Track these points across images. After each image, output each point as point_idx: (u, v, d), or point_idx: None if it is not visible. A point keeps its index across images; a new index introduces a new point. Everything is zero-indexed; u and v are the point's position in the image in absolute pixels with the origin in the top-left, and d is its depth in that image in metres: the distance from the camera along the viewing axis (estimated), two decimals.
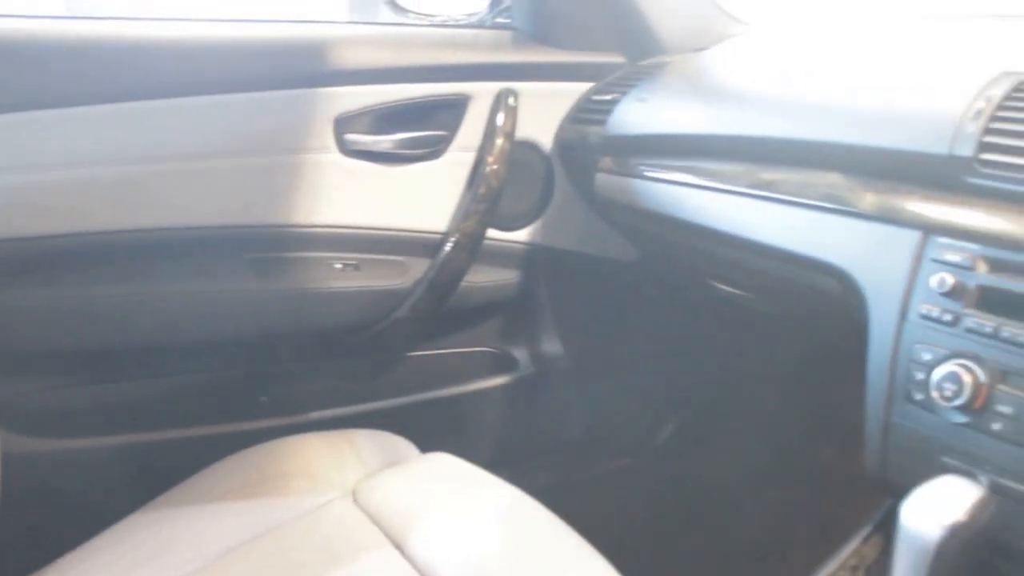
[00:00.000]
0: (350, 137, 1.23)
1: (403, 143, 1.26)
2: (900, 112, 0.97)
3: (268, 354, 1.31)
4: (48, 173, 1.10)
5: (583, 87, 1.33)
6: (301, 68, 1.20)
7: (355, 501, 1.06)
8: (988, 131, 0.86)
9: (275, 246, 1.24)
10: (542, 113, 1.33)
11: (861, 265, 0.94)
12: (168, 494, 1.07)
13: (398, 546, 0.97)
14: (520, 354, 1.49)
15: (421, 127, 1.27)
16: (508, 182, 1.31)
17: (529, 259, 1.40)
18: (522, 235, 1.38)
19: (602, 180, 1.27)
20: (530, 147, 1.33)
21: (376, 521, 1.02)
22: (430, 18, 1.36)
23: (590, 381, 1.55)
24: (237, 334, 1.25)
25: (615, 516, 1.51)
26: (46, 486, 1.19)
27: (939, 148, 0.89)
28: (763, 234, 1.05)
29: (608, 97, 1.28)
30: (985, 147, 0.85)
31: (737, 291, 1.23)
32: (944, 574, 0.77)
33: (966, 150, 0.86)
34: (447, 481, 1.11)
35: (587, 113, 1.31)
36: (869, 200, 0.94)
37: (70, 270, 1.15)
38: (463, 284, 1.34)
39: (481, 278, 1.38)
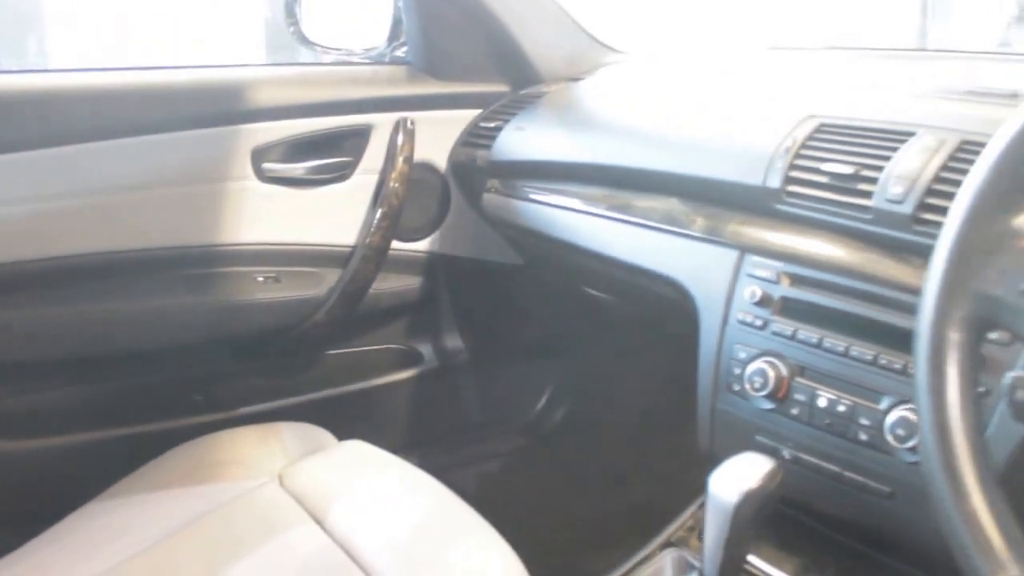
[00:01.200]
0: (266, 166, 1.38)
1: (314, 169, 1.42)
2: (725, 146, 1.13)
3: (202, 358, 1.45)
4: (15, 208, 1.24)
5: (472, 114, 1.49)
6: (222, 108, 1.35)
7: (281, 485, 1.19)
8: (792, 167, 1.02)
9: (205, 263, 1.38)
10: (437, 138, 1.49)
11: (693, 278, 1.11)
12: (118, 485, 1.20)
13: (319, 522, 1.12)
14: (425, 350, 1.65)
15: (329, 154, 1.43)
16: (408, 199, 1.46)
17: (430, 266, 1.56)
18: (423, 245, 1.54)
19: (488, 199, 1.45)
20: (427, 168, 1.50)
21: (300, 501, 1.15)
22: (335, 51, 1.51)
23: (487, 372, 1.71)
24: (174, 341, 1.40)
25: (510, 491, 1.68)
26: (20, 481, 1.33)
27: (754, 180, 1.06)
28: (617, 250, 1.22)
29: (492, 124, 1.45)
30: (790, 180, 1.01)
31: (604, 295, 1.42)
32: (742, 530, 0.87)
33: (775, 182, 1.02)
34: (360, 465, 1.25)
35: (475, 138, 1.48)
36: (699, 223, 1.11)
37: (20, 290, 1.28)
38: (372, 290, 1.49)
39: (388, 284, 1.53)
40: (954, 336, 0.64)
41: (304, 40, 1.50)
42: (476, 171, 1.46)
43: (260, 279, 1.42)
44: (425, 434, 1.68)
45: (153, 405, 1.42)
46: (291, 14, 1.48)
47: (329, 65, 1.53)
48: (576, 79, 1.47)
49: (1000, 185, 0.66)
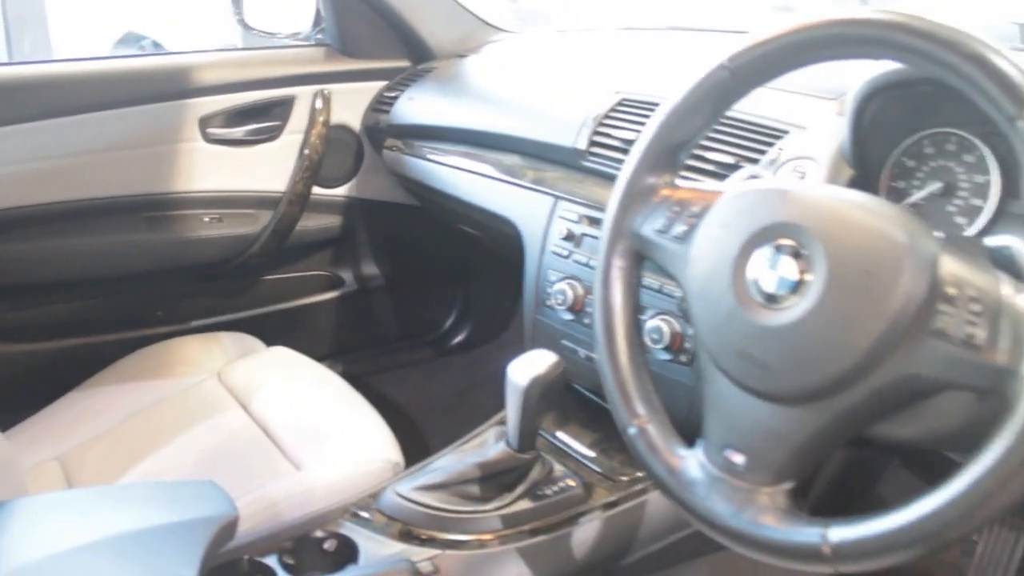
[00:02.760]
0: (211, 130, 1.70)
1: (249, 132, 1.74)
2: (551, 114, 1.38)
3: (161, 282, 1.77)
4: (11, 166, 1.56)
5: (380, 85, 1.80)
6: (177, 86, 1.66)
7: (220, 380, 1.50)
8: (595, 132, 1.26)
9: (162, 207, 1.70)
10: (351, 105, 1.80)
11: (522, 217, 1.37)
12: (92, 379, 1.53)
13: (245, 408, 1.42)
14: (346, 276, 1.95)
15: (262, 120, 1.74)
16: (327, 154, 1.78)
17: (348, 208, 1.87)
18: (342, 191, 1.86)
19: (387, 155, 1.76)
20: (344, 129, 1.81)
21: (231, 392, 1.46)
22: (269, 35, 1.82)
23: (400, 296, 2.02)
24: (138, 268, 1.72)
25: (412, 392, 1.99)
26: (19, 372, 1.66)
27: (567, 141, 1.30)
28: (473, 196, 1.52)
29: (392, 94, 1.75)
30: (592, 143, 1.25)
31: (473, 231, 1.73)
32: (531, 407, 1.03)
33: (582, 144, 1.27)
34: (281, 366, 1.55)
35: (380, 104, 1.78)
36: (529, 175, 1.39)
37: (18, 227, 1.61)
38: (298, 228, 1.81)
39: (312, 223, 1.84)
40: (618, 263, 0.88)
41: (245, 25, 1.81)
42: (380, 132, 1.77)
43: (207, 219, 1.74)
44: (346, 345, 1.98)
45: (122, 319, 1.74)
46: (236, 3, 1.78)
47: (262, 48, 1.84)
48: (463, 55, 1.76)
49: (651, 152, 0.87)
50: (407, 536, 1.07)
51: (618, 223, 0.88)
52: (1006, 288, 0.64)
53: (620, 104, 1.29)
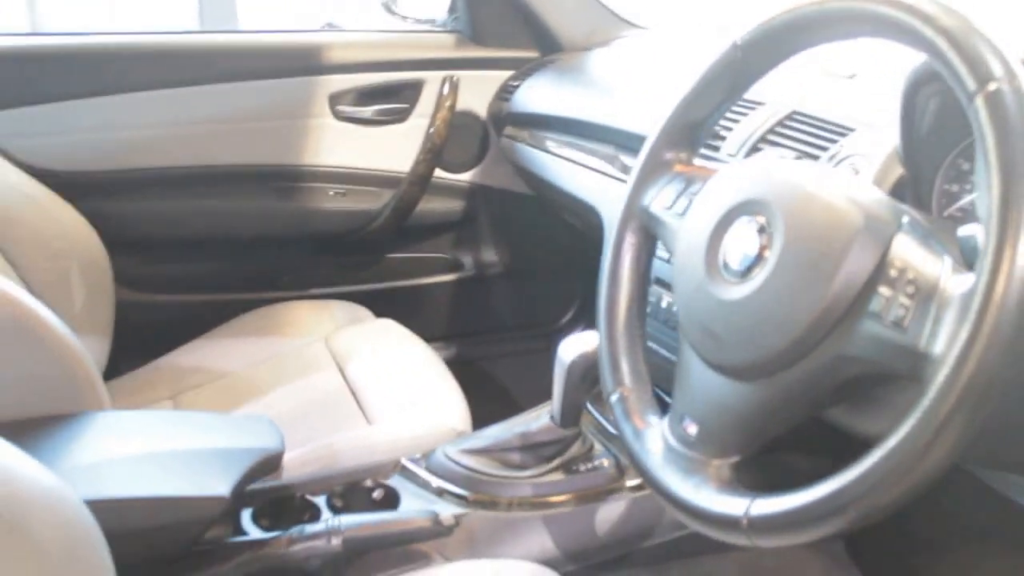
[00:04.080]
0: (340, 108, 1.80)
1: (378, 112, 1.82)
2: (648, 110, 1.38)
3: (285, 249, 1.88)
4: (154, 130, 1.72)
5: (507, 74, 1.85)
6: (310, 63, 1.77)
7: (326, 344, 1.59)
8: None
9: (290, 178, 1.81)
10: (479, 92, 1.86)
11: (605, 205, 1.40)
12: (212, 332, 1.65)
13: (341, 370, 1.51)
14: (466, 260, 2.01)
15: (391, 101, 1.82)
16: (452, 140, 1.85)
17: (471, 193, 1.93)
18: (466, 176, 1.92)
19: (503, 143, 1.82)
20: (470, 116, 1.87)
21: (333, 356, 1.55)
22: (410, 19, 1.91)
23: (518, 283, 2.05)
24: (264, 233, 1.85)
25: (526, 385, 1.95)
26: (148, 321, 1.81)
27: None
28: (567, 185, 1.55)
29: (516, 83, 1.81)
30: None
31: (574, 222, 1.75)
32: (572, 385, 1.06)
33: None
34: (384, 336, 1.62)
35: (505, 93, 1.83)
36: (619, 165, 1.42)
37: (156, 187, 1.76)
38: (419, 209, 1.88)
39: (433, 206, 1.91)
40: (630, 238, 0.91)
41: (390, 10, 1.91)
42: (502, 120, 1.83)
43: (331, 193, 1.84)
44: (458, 328, 2.04)
45: (244, 280, 1.87)
46: None
47: (394, 32, 1.93)
48: (589, 49, 1.80)
49: (669, 129, 0.89)
50: (444, 493, 1.12)
51: (632, 199, 0.91)
52: (946, 273, 0.62)
53: None
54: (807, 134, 1.08)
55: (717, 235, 0.77)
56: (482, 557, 1.08)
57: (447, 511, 1.09)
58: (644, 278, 0.91)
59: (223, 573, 0.99)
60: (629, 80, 1.57)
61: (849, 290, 0.65)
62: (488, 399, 1.45)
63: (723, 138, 1.16)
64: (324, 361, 1.56)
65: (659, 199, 0.89)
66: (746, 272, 0.73)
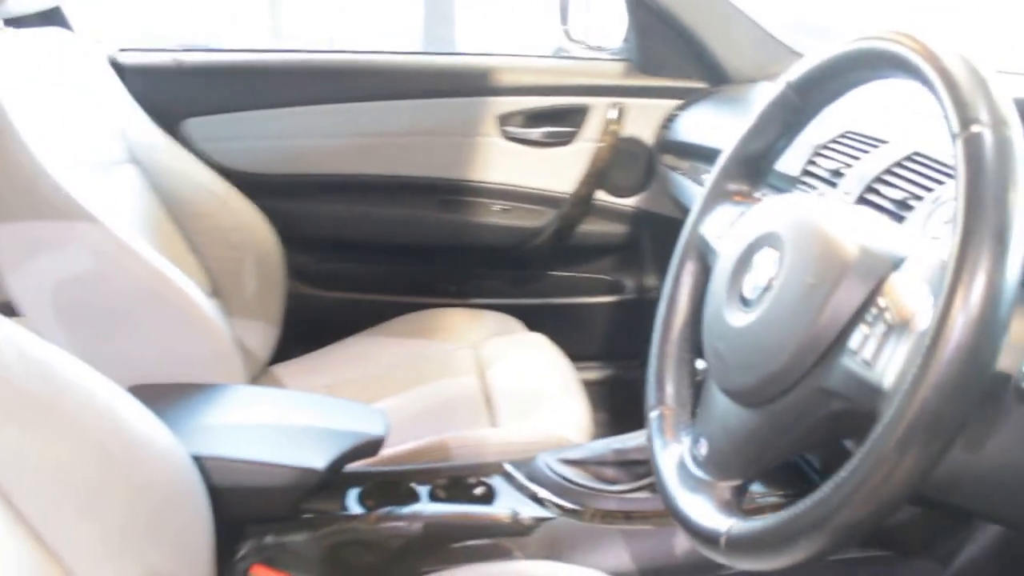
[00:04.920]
0: (508, 128, 1.88)
1: (544, 134, 1.89)
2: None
3: (448, 258, 1.98)
4: (336, 139, 1.87)
5: (674, 103, 1.87)
6: (482, 84, 1.86)
7: (473, 350, 1.68)
8: (810, 161, 1.24)
9: (457, 192, 1.91)
10: (645, 120, 1.88)
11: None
12: (371, 329, 1.79)
13: (481, 376, 1.59)
14: (626, 283, 2.03)
15: (556, 124, 1.89)
16: (616, 165, 1.89)
17: (635, 218, 1.96)
18: (630, 201, 1.95)
19: (662, 171, 1.84)
20: (635, 142, 1.89)
21: (477, 362, 1.63)
22: (586, 47, 1.98)
23: None
24: (429, 242, 1.96)
25: None
26: (315, 314, 1.96)
27: (785, 167, 1.27)
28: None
29: (680, 113, 1.83)
30: (805, 171, 1.24)
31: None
32: None
33: (795, 170, 1.26)
34: (529, 349, 1.69)
35: (670, 122, 1.86)
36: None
37: (336, 193, 1.92)
38: (581, 230, 1.94)
39: (596, 228, 1.95)
40: (689, 265, 0.94)
41: (569, 37, 1.98)
42: (666, 148, 1.85)
43: (495, 208, 1.93)
44: (609, 350, 2.06)
45: (406, 283, 1.98)
46: (563, 18, 1.96)
47: (566, 58, 2.00)
48: (756, 81, 1.79)
49: (730, 161, 0.92)
50: (536, 497, 1.16)
51: (693, 226, 0.95)
52: (923, 312, 0.61)
53: (842, 136, 1.27)
54: (923, 176, 1.06)
55: (741, 265, 0.79)
56: (560, 562, 1.11)
57: (531, 513, 1.13)
58: (699, 304, 0.92)
59: (314, 539, 1.08)
60: None
61: (834, 324, 0.66)
62: (631, 423, 1.47)
63: (842, 175, 1.14)
64: (467, 366, 1.64)
65: (714, 228, 0.92)
66: (756, 301, 0.75)
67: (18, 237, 1.31)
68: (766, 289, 0.74)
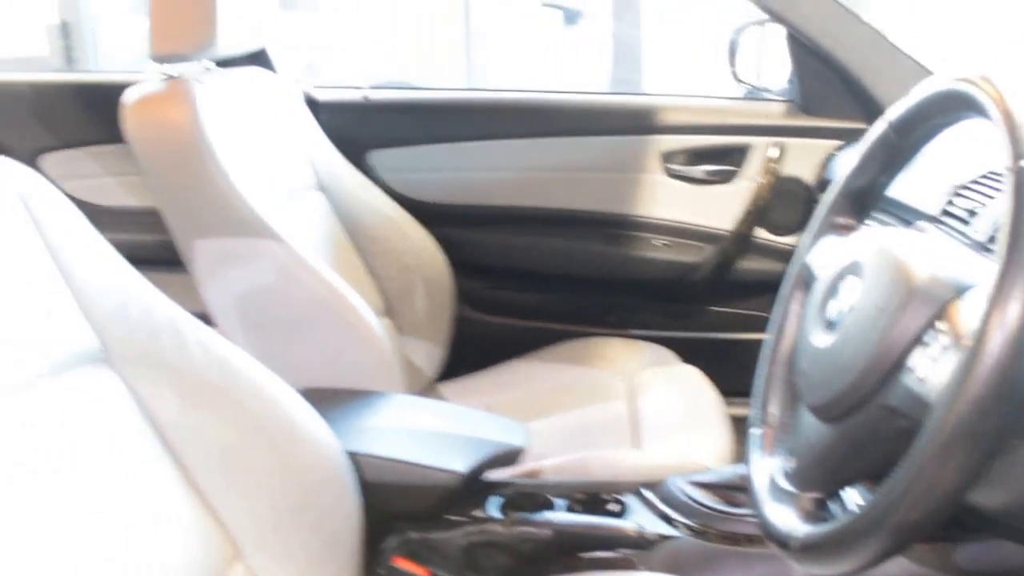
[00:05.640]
0: (671, 166, 1.95)
1: (706, 172, 1.94)
2: (926, 177, 1.32)
3: (609, 289, 2.05)
4: (506, 173, 2.00)
5: (834, 143, 1.88)
6: (648, 123, 1.94)
7: (627, 379, 1.75)
8: (949, 201, 1.25)
9: (620, 226, 1.99)
10: (806, 160, 1.90)
11: None
12: (529, 354, 1.89)
13: (631, 402, 1.66)
14: None
15: (718, 163, 1.94)
16: (778, 203, 1.92)
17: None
18: (791, 239, 1.96)
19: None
20: (797, 182, 1.91)
21: (629, 390, 1.70)
22: (753, 87, 2.02)
23: None
24: (592, 273, 2.04)
25: None
26: (480, 336, 2.07)
27: (923, 206, 1.32)
28: None
29: (839, 153, 1.85)
30: (944, 211, 1.24)
31: None
32: None
33: (934, 209, 1.28)
34: (682, 381, 1.74)
35: (830, 161, 1.87)
36: None
37: (509, 224, 2.03)
38: (741, 266, 1.97)
39: (756, 265, 1.97)
40: (798, 294, 0.98)
41: (736, 79, 2.03)
42: (824, 188, 1.86)
43: (656, 243, 1.99)
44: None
45: (567, 312, 2.07)
46: (731, 60, 2.02)
47: (727, 98, 2.04)
48: None
49: (837, 195, 0.97)
50: (663, 516, 1.21)
51: (800, 256, 0.99)
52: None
53: (984, 176, 1.26)
54: None
55: (829, 291, 0.84)
56: None
57: (658, 530, 1.18)
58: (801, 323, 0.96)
59: (453, 539, 1.17)
60: (933, 158, 1.55)
61: (897, 345, 0.70)
62: None
63: (976, 214, 1.15)
64: (619, 393, 1.71)
65: (819, 258, 0.96)
66: (837, 324, 0.80)
67: (213, 252, 1.49)
68: (847, 313, 0.79)
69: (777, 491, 0.83)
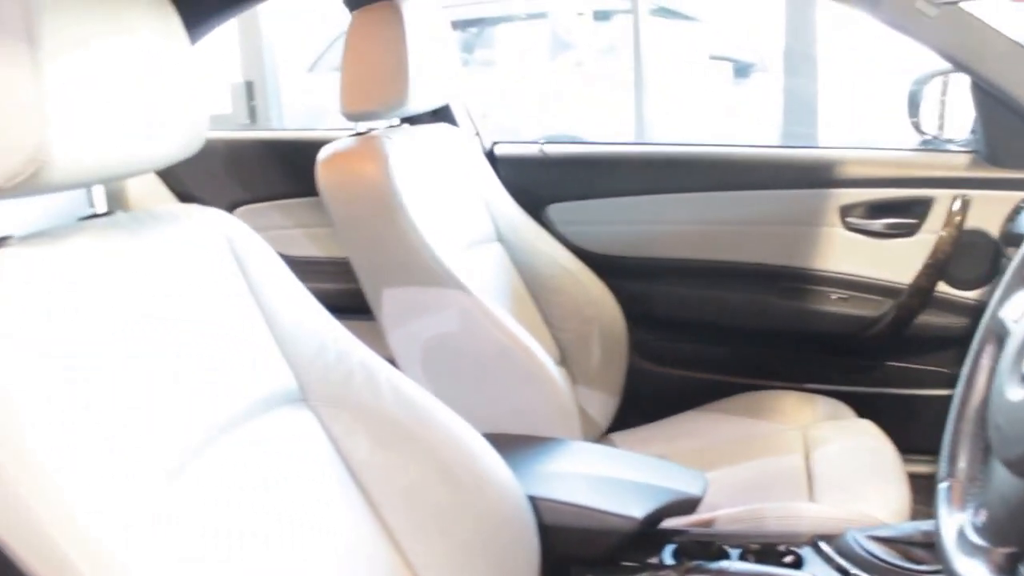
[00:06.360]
0: (850, 219, 1.94)
1: (886, 226, 1.92)
2: None
3: (784, 342, 2.04)
4: (682, 226, 2.03)
5: (1021, 195, 1.82)
6: (825, 176, 1.94)
7: (802, 433, 1.74)
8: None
9: (797, 280, 1.98)
10: (992, 212, 1.85)
11: None
12: (703, 406, 1.92)
13: (807, 456, 1.64)
14: None
15: (899, 216, 1.91)
16: (962, 256, 1.87)
17: (980, 311, 1.91)
18: (973, 294, 1.91)
19: (1006, 264, 1.79)
20: (980, 234, 1.86)
21: (804, 444, 1.69)
22: (936, 139, 1.98)
23: None
24: (766, 327, 2.04)
25: None
26: (654, 388, 2.10)
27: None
28: None
29: None
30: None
31: None
32: None
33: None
34: (859, 435, 1.72)
35: (1016, 214, 1.81)
36: None
37: (685, 277, 2.06)
38: (922, 320, 1.92)
39: (936, 319, 1.92)
40: (989, 348, 0.97)
41: (918, 130, 2.00)
42: (1012, 241, 1.80)
43: (833, 297, 1.97)
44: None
45: (741, 365, 2.06)
46: (912, 111, 2.00)
47: (908, 150, 2.01)
48: None
49: None
50: (841, 570, 1.21)
51: (993, 310, 0.98)
52: None
53: None
54: None
55: None
56: None
57: None
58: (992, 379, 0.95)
59: None
60: None
61: None
62: None
63: None
64: (794, 446, 1.71)
65: (1013, 311, 0.95)
66: None
67: (400, 300, 1.59)
68: None
69: (967, 545, 0.83)
